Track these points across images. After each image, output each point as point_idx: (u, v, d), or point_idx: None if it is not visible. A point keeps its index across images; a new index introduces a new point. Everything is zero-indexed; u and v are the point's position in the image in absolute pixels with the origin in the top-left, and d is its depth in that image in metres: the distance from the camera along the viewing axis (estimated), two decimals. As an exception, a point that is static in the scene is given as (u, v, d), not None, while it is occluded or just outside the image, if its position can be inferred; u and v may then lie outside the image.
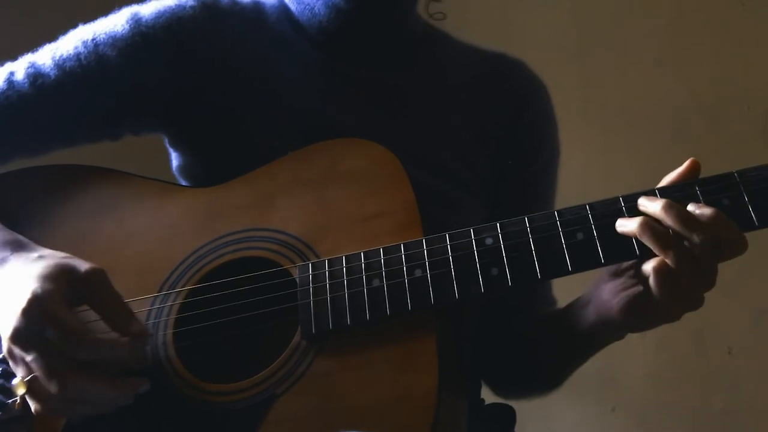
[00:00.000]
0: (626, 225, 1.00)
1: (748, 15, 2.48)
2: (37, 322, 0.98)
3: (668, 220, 0.97)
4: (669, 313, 1.02)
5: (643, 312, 1.04)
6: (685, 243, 0.96)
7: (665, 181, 1.03)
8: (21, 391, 1.00)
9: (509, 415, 1.31)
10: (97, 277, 1.03)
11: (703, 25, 2.53)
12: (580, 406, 2.45)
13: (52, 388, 0.98)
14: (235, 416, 1.04)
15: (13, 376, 1.11)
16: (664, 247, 0.96)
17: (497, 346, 1.35)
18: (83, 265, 1.03)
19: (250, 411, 1.04)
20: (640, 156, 2.50)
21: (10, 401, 1.09)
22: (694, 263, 0.97)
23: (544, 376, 1.33)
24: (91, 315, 1.05)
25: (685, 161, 1.04)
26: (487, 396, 1.36)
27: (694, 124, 2.49)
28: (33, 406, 1.01)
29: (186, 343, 1.11)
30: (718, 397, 2.37)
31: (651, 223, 0.98)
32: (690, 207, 0.98)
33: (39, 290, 0.99)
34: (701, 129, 2.47)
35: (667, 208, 0.98)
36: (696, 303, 1.01)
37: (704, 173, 1.03)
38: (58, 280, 1.01)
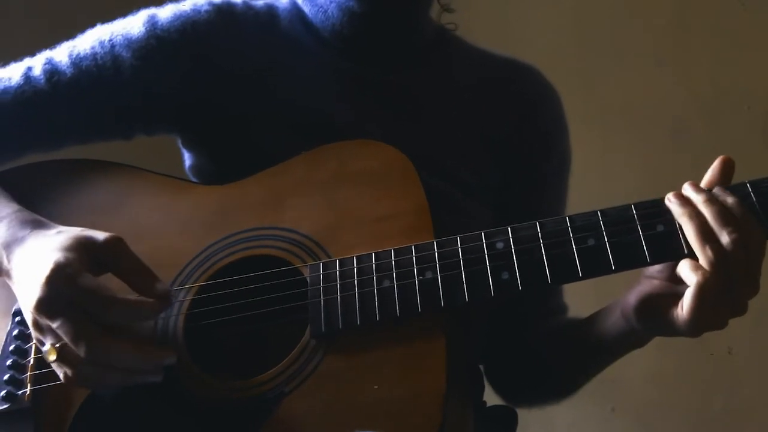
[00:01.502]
0: (674, 202, 0.99)
1: (748, 15, 2.48)
2: (62, 289, 1.00)
3: (707, 213, 0.97)
4: (694, 327, 1.01)
5: (659, 318, 1.05)
6: (720, 241, 0.96)
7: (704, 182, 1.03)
8: (52, 357, 1.01)
9: (511, 417, 1.31)
10: (115, 243, 1.05)
11: (703, 25, 2.53)
12: (580, 406, 2.44)
13: (82, 351, 0.99)
14: (243, 413, 1.05)
15: (26, 352, 1.12)
16: (704, 240, 0.96)
17: (507, 352, 1.36)
18: (101, 235, 1.06)
19: (258, 408, 1.04)
20: (640, 156, 2.50)
21: (20, 393, 1.10)
22: (726, 266, 0.95)
23: (555, 383, 1.34)
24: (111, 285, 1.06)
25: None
26: (489, 398, 1.36)
27: (694, 124, 2.48)
28: (63, 372, 1.02)
29: (195, 339, 1.11)
30: (718, 397, 2.37)
31: (699, 212, 0.98)
32: (716, 190, 0.99)
33: (61, 259, 1.01)
34: (701, 129, 2.47)
35: (708, 202, 0.98)
36: (720, 322, 1.01)
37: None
38: (79, 249, 1.03)
